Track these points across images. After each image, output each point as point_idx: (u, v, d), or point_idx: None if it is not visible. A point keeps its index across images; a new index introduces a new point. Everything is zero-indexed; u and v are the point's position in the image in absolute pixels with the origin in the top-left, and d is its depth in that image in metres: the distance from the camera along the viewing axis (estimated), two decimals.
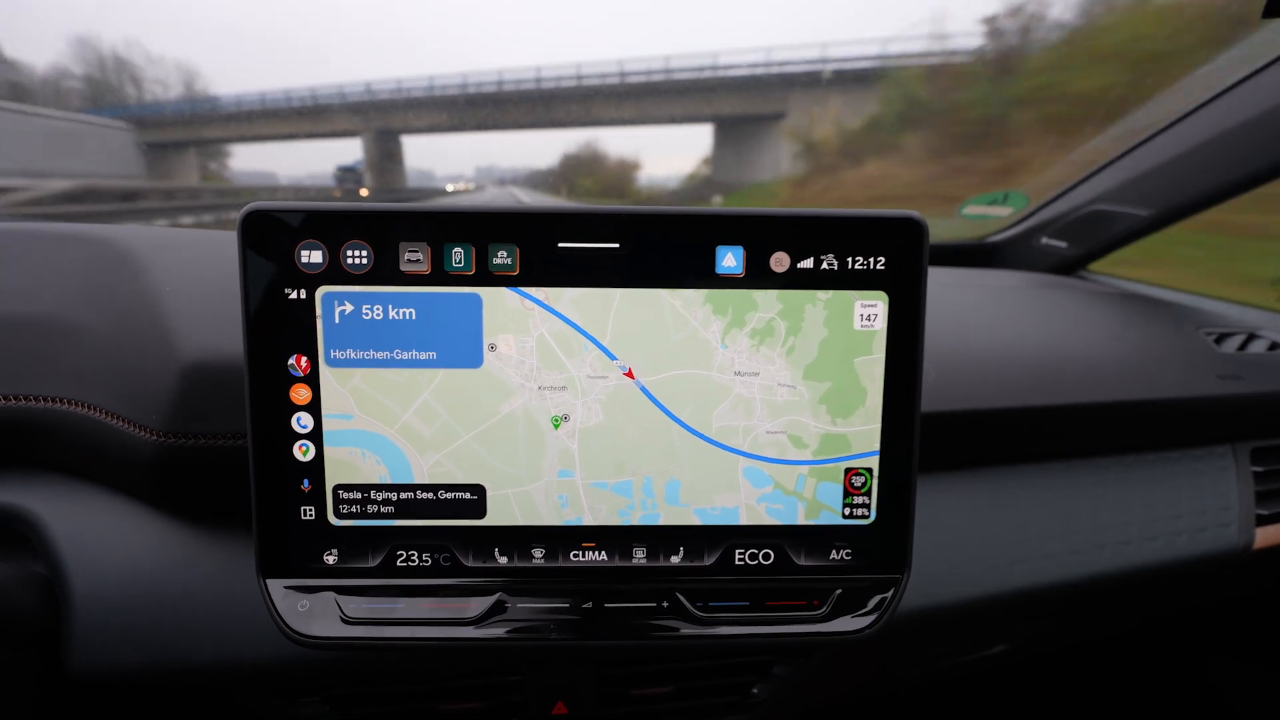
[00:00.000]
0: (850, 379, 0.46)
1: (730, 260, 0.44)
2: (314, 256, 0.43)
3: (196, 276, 0.58)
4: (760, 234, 0.44)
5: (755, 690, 0.66)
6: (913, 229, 0.44)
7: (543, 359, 0.45)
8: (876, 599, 0.48)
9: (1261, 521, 0.81)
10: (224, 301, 0.54)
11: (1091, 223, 1.13)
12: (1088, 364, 0.78)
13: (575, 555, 0.48)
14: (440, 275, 0.43)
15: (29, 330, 0.54)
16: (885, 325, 0.45)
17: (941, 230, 1.40)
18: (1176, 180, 0.98)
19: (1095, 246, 1.14)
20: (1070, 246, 1.18)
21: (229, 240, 0.60)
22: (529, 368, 0.45)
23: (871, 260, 0.45)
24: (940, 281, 0.96)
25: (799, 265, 0.44)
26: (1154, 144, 1.02)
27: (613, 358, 0.45)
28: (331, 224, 0.42)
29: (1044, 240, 1.21)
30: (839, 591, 0.48)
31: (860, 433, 0.46)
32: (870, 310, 0.45)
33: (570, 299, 0.44)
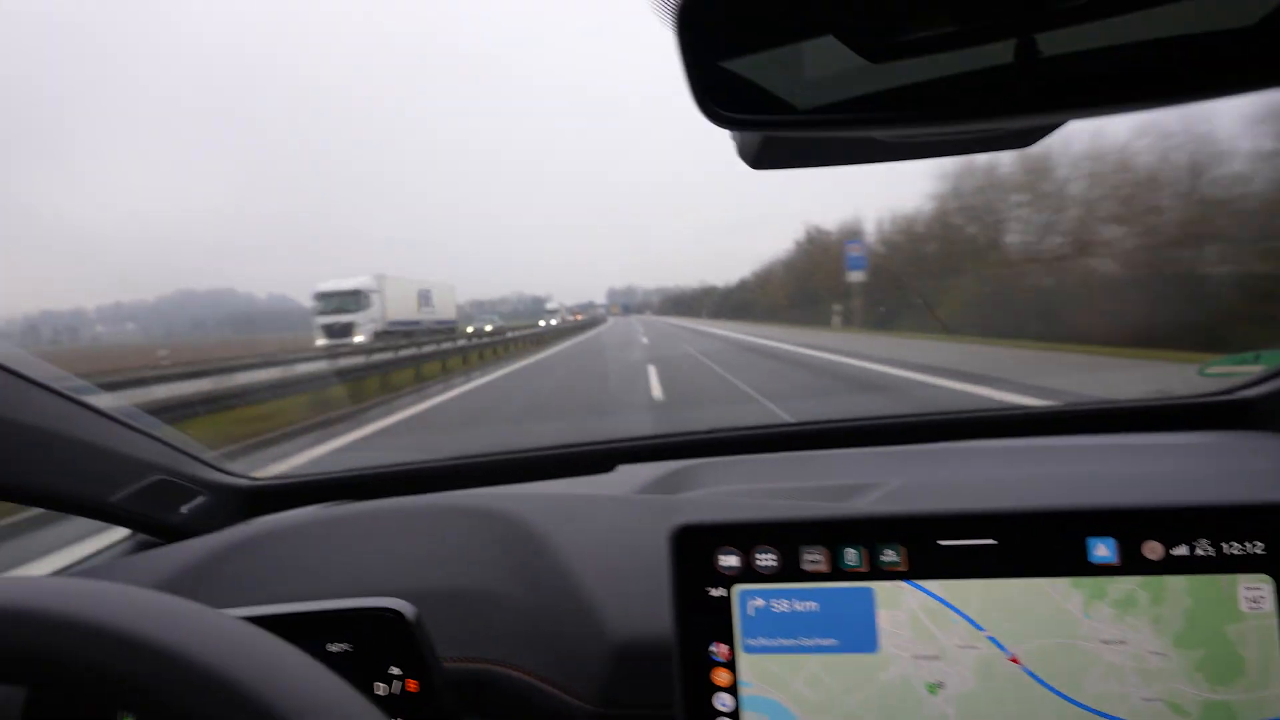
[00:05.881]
0: (1225, 647, 0.48)
1: (1103, 550, 0.49)
2: (731, 561, 0.54)
3: (594, 550, 0.71)
4: (1132, 525, 0.49)
5: None
6: None
7: (914, 631, 0.51)
8: None
9: None
10: (636, 582, 0.65)
11: None
12: None
13: None
14: (837, 572, 0.52)
15: (466, 600, 0.69)
16: (1275, 607, 0.47)
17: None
18: None
19: None
20: None
21: (609, 504, 0.75)
22: (903, 639, 0.51)
23: (1249, 545, 0.48)
24: None
25: (1173, 552, 0.48)
26: None
27: (980, 628, 0.51)
28: (744, 534, 0.53)
29: None
30: None
31: (1246, 701, 0.47)
32: (1255, 593, 0.48)
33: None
